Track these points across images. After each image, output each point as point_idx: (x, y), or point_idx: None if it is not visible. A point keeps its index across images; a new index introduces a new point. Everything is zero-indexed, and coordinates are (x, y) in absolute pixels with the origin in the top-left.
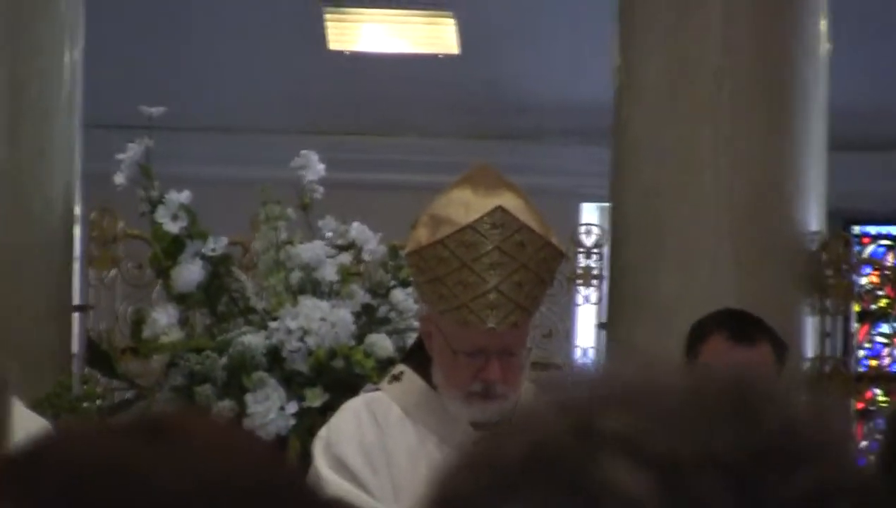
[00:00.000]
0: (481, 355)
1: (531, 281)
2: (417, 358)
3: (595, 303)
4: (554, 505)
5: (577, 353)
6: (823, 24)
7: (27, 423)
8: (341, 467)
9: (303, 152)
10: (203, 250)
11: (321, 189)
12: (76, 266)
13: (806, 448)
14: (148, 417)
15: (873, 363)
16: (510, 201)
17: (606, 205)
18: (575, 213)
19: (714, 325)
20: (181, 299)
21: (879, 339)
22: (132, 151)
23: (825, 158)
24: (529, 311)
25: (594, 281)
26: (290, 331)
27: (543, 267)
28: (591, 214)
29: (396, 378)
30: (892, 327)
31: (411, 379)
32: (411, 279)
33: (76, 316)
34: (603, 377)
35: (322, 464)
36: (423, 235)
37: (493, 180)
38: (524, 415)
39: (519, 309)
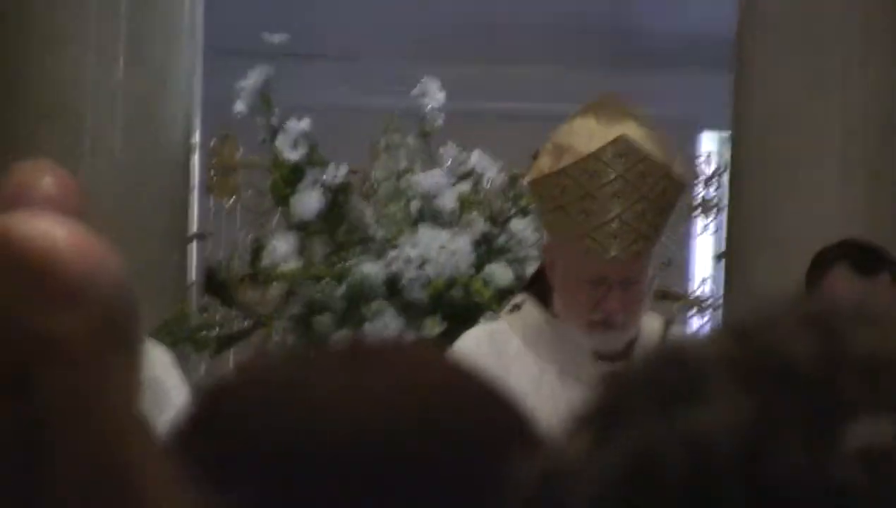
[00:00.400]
0: (603, 284)
1: (653, 211)
2: (539, 287)
3: (713, 233)
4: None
5: (696, 283)
6: None
7: (148, 351)
8: None
9: (423, 80)
10: (323, 178)
11: (441, 117)
12: (195, 193)
13: None
14: (353, 346)
15: None
16: (633, 130)
17: (726, 134)
18: (694, 142)
19: (835, 256)
20: (300, 227)
21: None
22: (253, 79)
23: None
24: (651, 240)
25: (713, 211)
26: (408, 260)
27: (665, 196)
28: (710, 143)
29: (517, 307)
30: None
31: (532, 308)
32: (532, 208)
33: (195, 243)
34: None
35: None
36: (546, 163)
37: (618, 109)
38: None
39: (641, 238)
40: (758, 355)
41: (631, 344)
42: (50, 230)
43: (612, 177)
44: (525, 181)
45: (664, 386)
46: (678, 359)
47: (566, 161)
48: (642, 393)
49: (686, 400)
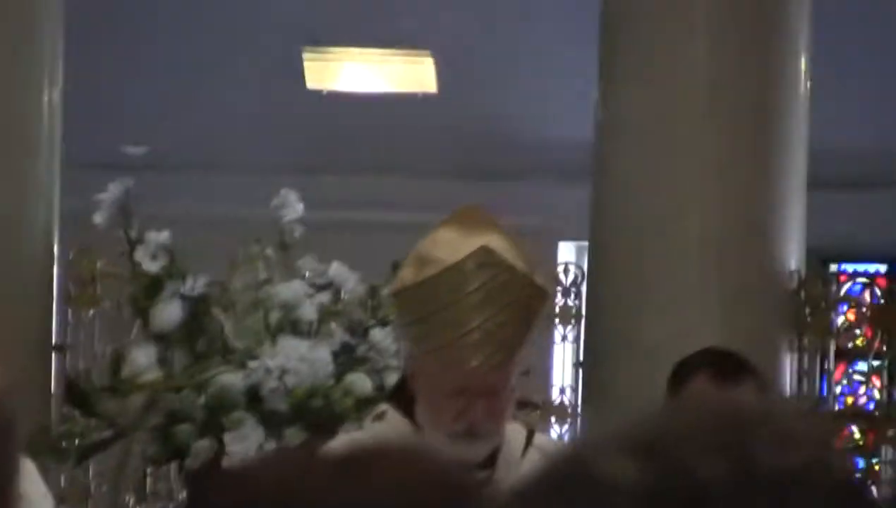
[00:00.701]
0: (466, 394)
1: (515, 321)
2: (401, 397)
3: (573, 342)
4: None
5: (555, 392)
6: (805, 62)
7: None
8: None
9: (282, 191)
10: (182, 290)
11: (300, 228)
12: (55, 305)
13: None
14: (354, 452)
15: (850, 401)
16: (496, 241)
17: (584, 243)
18: (553, 252)
19: (698, 364)
20: (160, 338)
21: (857, 377)
22: (112, 191)
23: (804, 197)
24: (514, 350)
25: (572, 320)
26: (268, 371)
27: (528, 307)
28: (569, 253)
29: (379, 417)
30: (870, 365)
31: (395, 418)
32: (393, 319)
33: (55, 355)
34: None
35: None
36: (408, 275)
37: (480, 220)
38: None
39: (503, 348)
40: (666, 480)
41: (494, 454)
42: None
43: (475, 287)
44: (387, 292)
45: None
46: (584, 484)
47: (428, 272)
48: None
49: None
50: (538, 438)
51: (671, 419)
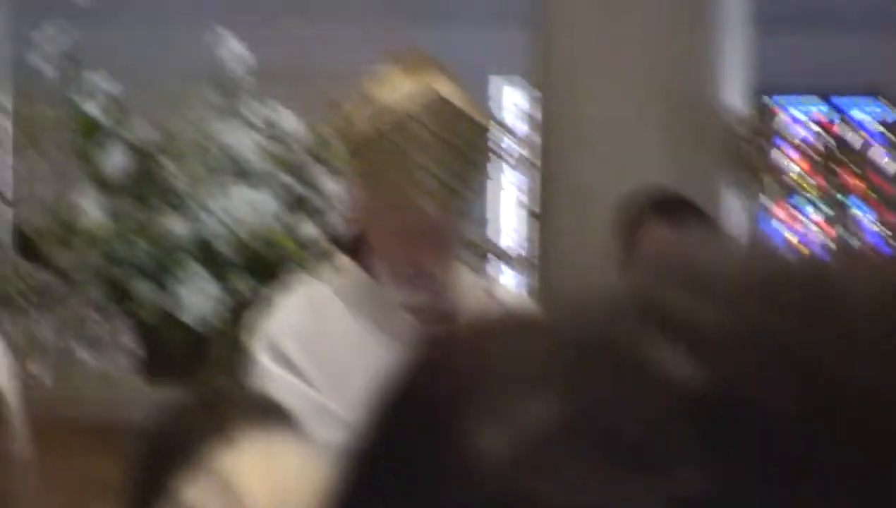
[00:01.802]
0: (415, 238)
1: (464, 165)
2: (355, 247)
3: (519, 186)
4: (600, 389)
5: (504, 237)
6: None
7: None
8: (286, 363)
9: (222, 35)
10: (129, 137)
11: (243, 72)
12: (6, 157)
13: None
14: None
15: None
16: (444, 86)
17: (516, 78)
18: (484, 87)
19: (649, 212)
20: (108, 187)
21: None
22: (59, 39)
23: (745, 36)
24: (462, 194)
25: (516, 162)
26: (214, 215)
27: (476, 150)
28: (497, 88)
29: (335, 268)
30: (815, 205)
31: (350, 268)
32: (342, 163)
33: (3, 206)
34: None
35: (266, 361)
36: (357, 120)
37: (426, 64)
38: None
39: (451, 192)
40: (722, 395)
41: (447, 300)
42: None
43: (426, 132)
44: (334, 136)
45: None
46: (621, 370)
47: (379, 118)
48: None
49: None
50: (495, 288)
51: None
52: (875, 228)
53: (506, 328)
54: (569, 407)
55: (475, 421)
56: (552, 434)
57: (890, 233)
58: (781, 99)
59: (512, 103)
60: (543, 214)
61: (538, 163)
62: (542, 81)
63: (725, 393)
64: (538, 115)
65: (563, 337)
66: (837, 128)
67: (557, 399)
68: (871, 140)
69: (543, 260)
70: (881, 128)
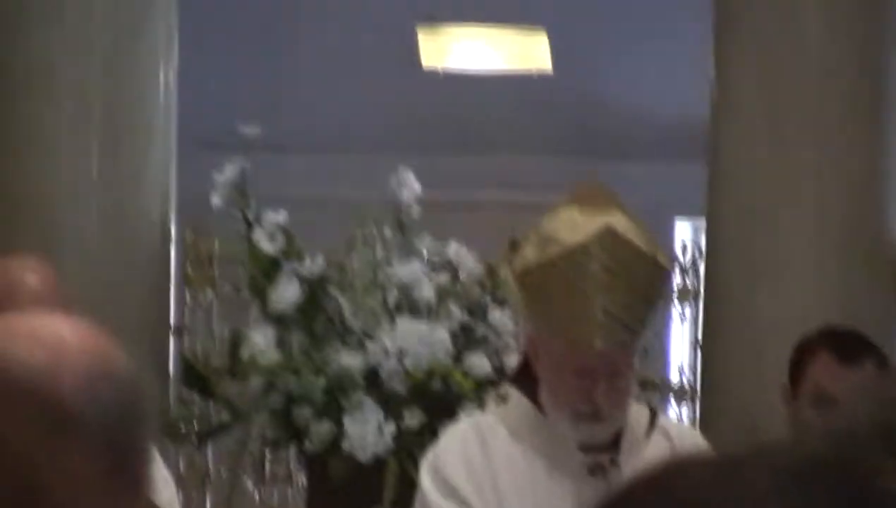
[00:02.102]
0: (589, 376)
1: (639, 302)
2: (523, 378)
3: (692, 321)
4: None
5: (674, 372)
6: None
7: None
8: (449, 490)
9: (399, 171)
10: (300, 270)
11: (417, 208)
12: (172, 287)
13: None
14: None
15: None
16: (618, 220)
17: (700, 221)
18: (669, 229)
19: (818, 343)
20: (278, 320)
21: None
22: (229, 171)
23: None
24: (637, 332)
25: (690, 299)
26: (387, 352)
27: (651, 286)
28: (684, 231)
29: (503, 399)
30: None
31: (518, 400)
32: (512, 299)
33: (172, 338)
34: None
35: (430, 487)
36: (530, 254)
37: (602, 199)
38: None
39: (627, 329)
40: None
41: (618, 436)
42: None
43: (598, 268)
44: (508, 272)
45: None
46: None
47: (552, 251)
48: None
49: None
50: (662, 420)
51: None
52: None
53: (718, 468)
54: None
55: None
56: None
57: None
58: None
59: (689, 239)
60: (711, 348)
61: (709, 296)
62: (713, 215)
63: None
64: (713, 252)
65: (792, 469)
66: None
67: None
68: None
69: (709, 392)
70: None
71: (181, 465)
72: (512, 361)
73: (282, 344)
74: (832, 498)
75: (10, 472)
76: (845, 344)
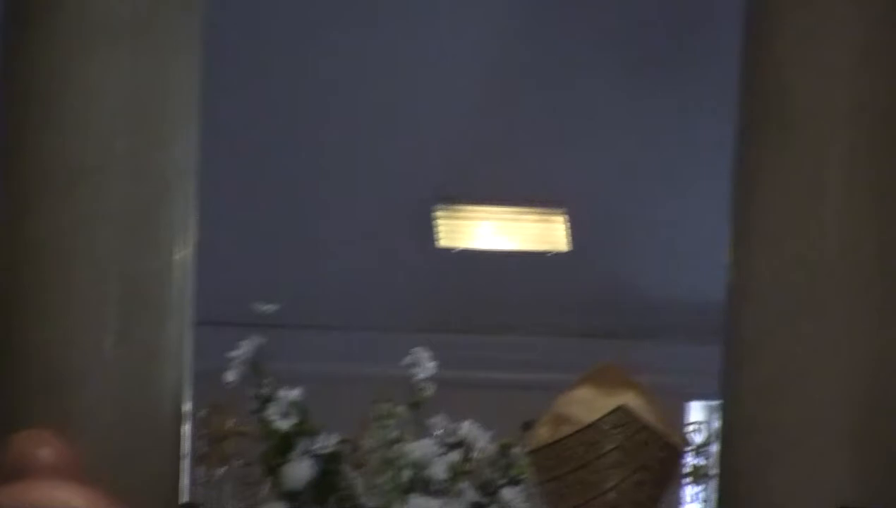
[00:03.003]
0: None
1: (651, 481)
2: None
3: (704, 502)
4: None
5: None
6: None
7: None
8: None
9: (413, 350)
10: (313, 448)
11: (432, 387)
12: (186, 463)
13: None
14: None
15: None
16: (633, 400)
17: (713, 403)
18: (682, 411)
19: None
20: (291, 497)
21: None
22: (244, 349)
23: None
24: None
25: (703, 479)
26: None
27: (664, 466)
28: (697, 412)
29: None
30: None
31: None
32: (525, 478)
33: None
34: None
35: None
36: (544, 434)
37: (616, 379)
38: None
39: (637, 506)
40: None
41: None
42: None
43: (612, 446)
44: (518, 450)
45: None
46: None
47: (565, 430)
48: None
49: None
50: None
51: None
52: None
53: None
54: None
55: None
56: None
57: None
58: None
59: (701, 419)
60: None
61: (723, 476)
62: (727, 395)
63: None
64: (727, 434)
65: None
66: None
67: None
68: None
69: None
70: None
71: None
72: None
73: None
74: None
75: None
76: None
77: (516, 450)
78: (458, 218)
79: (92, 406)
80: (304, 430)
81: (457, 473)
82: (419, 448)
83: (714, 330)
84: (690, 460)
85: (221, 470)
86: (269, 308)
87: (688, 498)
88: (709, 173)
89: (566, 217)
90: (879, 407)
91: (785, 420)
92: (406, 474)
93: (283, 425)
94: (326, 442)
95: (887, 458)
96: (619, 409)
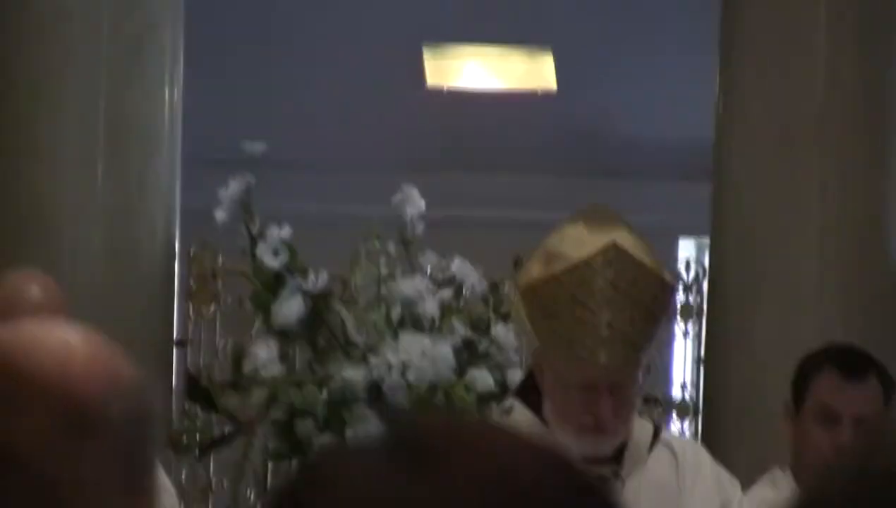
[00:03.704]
0: (593, 390)
1: (643, 318)
2: (528, 392)
3: (694, 338)
4: None
5: (676, 389)
6: None
7: None
8: None
9: (404, 187)
10: (303, 285)
11: (422, 224)
12: (176, 301)
13: None
14: (418, 438)
15: None
16: (624, 238)
17: (705, 239)
18: (673, 248)
19: (824, 360)
20: (281, 334)
21: None
22: (233, 188)
23: None
24: (641, 347)
25: (693, 317)
26: (390, 366)
27: (655, 303)
28: (688, 249)
29: (507, 412)
30: None
31: (522, 413)
32: (516, 314)
33: (176, 351)
34: None
35: None
36: (536, 270)
37: (607, 217)
38: (888, 430)
39: (631, 345)
40: None
41: (621, 450)
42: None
43: (603, 284)
44: (509, 288)
45: None
46: None
47: (557, 268)
48: None
49: None
50: (665, 435)
51: None
52: None
53: None
54: None
55: None
56: None
57: None
58: None
59: (693, 257)
60: (712, 365)
61: (712, 314)
62: (717, 233)
63: None
64: (716, 271)
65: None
66: None
67: None
68: None
69: (711, 409)
70: None
71: (183, 477)
72: (515, 376)
73: (284, 357)
74: None
75: (25, 476)
76: (849, 361)
77: (506, 288)
78: (446, 57)
79: (81, 245)
80: (294, 268)
81: (447, 310)
82: (409, 286)
83: (703, 167)
84: (681, 297)
85: (212, 308)
86: (258, 147)
87: (679, 335)
88: (695, 10)
89: (553, 55)
90: (868, 246)
91: (773, 258)
92: (396, 311)
93: (273, 263)
94: (317, 280)
95: (871, 301)
96: (611, 246)
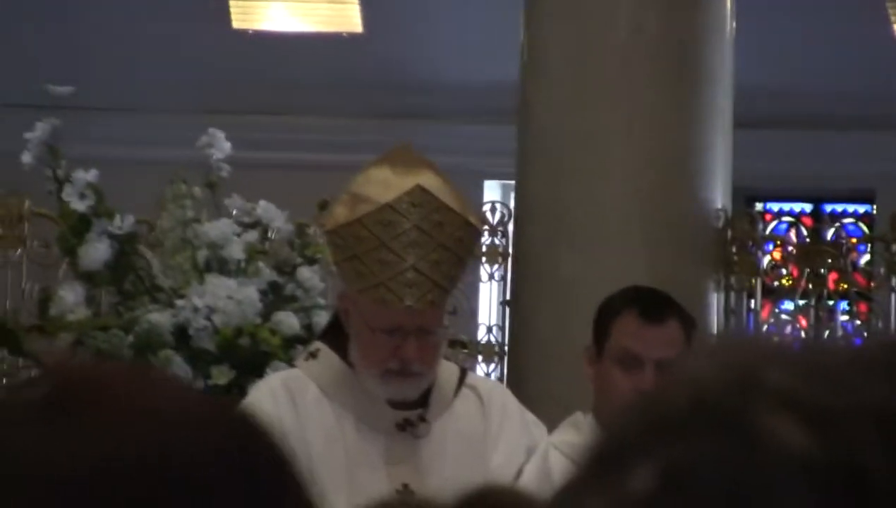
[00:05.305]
0: (398, 333)
1: (449, 260)
2: (334, 335)
3: (500, 281)
4: (713, 451)
5: (482, 331)
6: (729, 2)
7: None
8: None
9: (209, 131)
10: (110, 229)
11: (227, 167)
12: None
13: None
14: (60, 386)
15: None
16: (429, 180)
17: (510, 182)
18: (479, 191)
19: (624, 303)
20: (88, 277)
21: (783, 317)
22: (39, 131)
23: (730, 136)
24: (447, 290)
25: (499, 259)
26: (196, 309)
27: (461, 245)
28: (494, 192)
29: (313, 355)
30: (796, 304)
31: (328, 356)
32: (322, 257)
33: None
34: (764, 339)
35: None
36: (341, 213)
37: (413, 159)
38: (687, 370)
39: (437, 287)
40: (835, 457)
41: (427, 393)
42: None
43: (408, 226)
44: (315, 230)
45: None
46: (739, 435)
47: (362, 210)
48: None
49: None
50: (470, 378)
51: (839, 367)
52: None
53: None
54: (673, 471)
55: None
56: (652, 500)
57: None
58: (770, 204)
59: (498, 200)
60: (519, 307)
61: (518, 256)
62: (522, 176)
63: (839, 459)
64: (521, 213)
65: (669, 409)
66: (823, 230)
67: (659, 466)
68: (856, 245)
69: (516, 351)
70: (866, 230)
71: None
72: (321, 319)
73: (91, 301)
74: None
75: None
76: (649, 304)
77: (312, 230)
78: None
79: None
80: (100, 211)
81: (253, 253)
82: (215, 229)
83: (508, 110)
84: (486, 239)
85: (18, 251)
86: (64, 90)
87: (484, 277)
88: None
89: None
90: (666, 183)
91: (577, 201)
92: (202, 254)
93: (80, 206)
94: (123, 223)
95: (676, 242)
96: (416, 188)
